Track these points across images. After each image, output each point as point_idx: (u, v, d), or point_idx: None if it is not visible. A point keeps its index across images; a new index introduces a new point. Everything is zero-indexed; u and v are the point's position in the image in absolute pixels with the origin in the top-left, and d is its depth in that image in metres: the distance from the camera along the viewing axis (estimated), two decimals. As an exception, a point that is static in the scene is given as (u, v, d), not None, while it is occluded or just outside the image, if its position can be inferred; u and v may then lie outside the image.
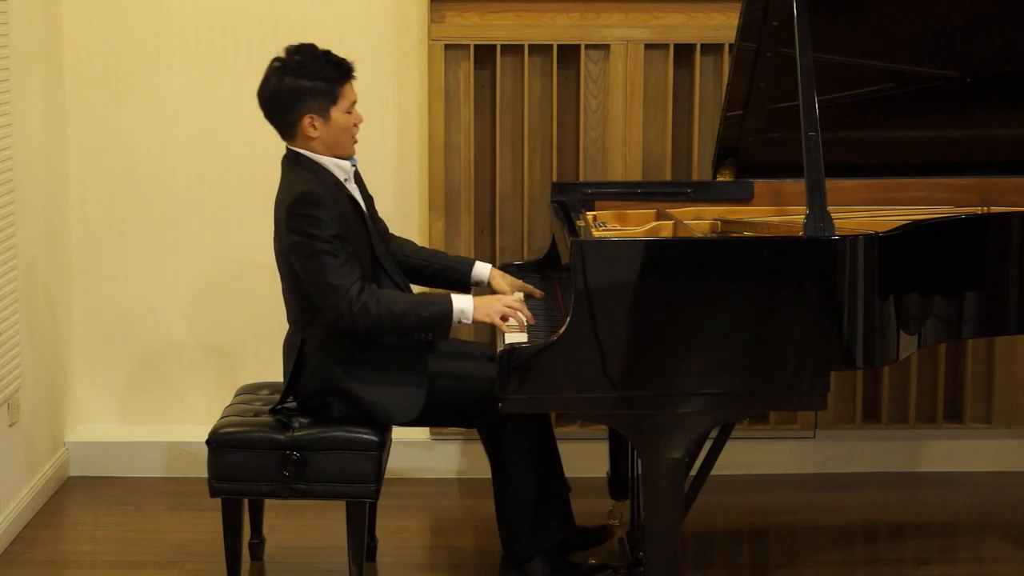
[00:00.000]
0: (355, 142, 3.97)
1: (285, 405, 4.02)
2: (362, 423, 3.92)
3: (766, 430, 5.06)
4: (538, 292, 4.14)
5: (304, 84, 3.85)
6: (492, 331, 4.94)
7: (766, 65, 4.14)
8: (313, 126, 3.88)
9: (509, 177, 4.94)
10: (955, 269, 3.84)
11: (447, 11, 4.81)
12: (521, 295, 4.09)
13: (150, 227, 5.00)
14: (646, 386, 3.56)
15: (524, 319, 3.83)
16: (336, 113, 3.89)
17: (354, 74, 3.93)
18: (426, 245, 4.88)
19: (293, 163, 3.94)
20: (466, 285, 4.18)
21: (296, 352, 3.96)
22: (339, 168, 3.94)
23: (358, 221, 3.94)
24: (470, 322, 3.84)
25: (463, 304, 3.84)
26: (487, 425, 3.99)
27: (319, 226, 3.78)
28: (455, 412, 4.02)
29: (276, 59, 3.91)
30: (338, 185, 3.92)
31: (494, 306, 3.85)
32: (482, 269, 4.19)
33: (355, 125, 3.94)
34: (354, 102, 3.93)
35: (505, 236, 4.95)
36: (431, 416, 4.04)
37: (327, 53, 3.90)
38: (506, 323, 3.82)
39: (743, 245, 3.73)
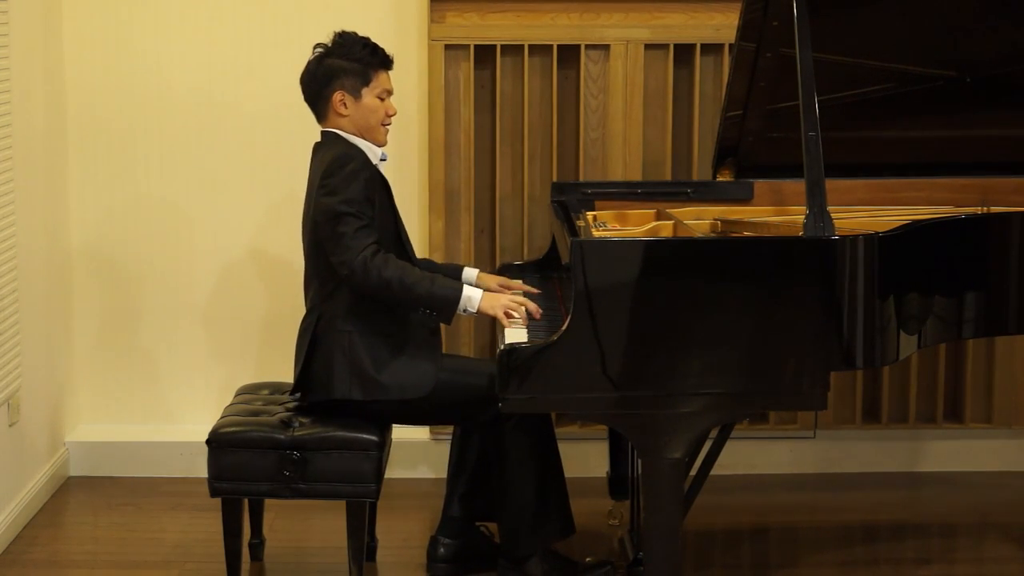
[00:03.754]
0: (386, 132, 4.07)
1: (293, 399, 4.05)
2: (365, 423, 3.93)
3: (766, 430, 5.06)
4: (530, 289, 4.14)
5: (340, 63, 4.01)
6: (493, 333, 4.94)
7: (766, 65, 4.14)
8: (344, 103, 4.00)
9: (509, 177, 4.94)
10: (955, 269, 3.84)
11: (447, 11, 4.81)
12: (521, 295, 4.10)
13: (150, 227, 5.00)
14: (646, 386, 3.56)
15: (527, 314, 3.88)
16: (367, 95, 4.01)
17: (391, 65, 4.06)
18: (426, 245, 4.89)
19: (328, 140, 4.04)
20: None
21: (311, 331, 3.97)
22: (371, 151, 4.04)
23: (386, 199, 4.02)
24: (474, 311, 3.90)
25: (471, 292, 3.91)
26: (488, 424, 3.99)
27: (348, 187, 3.88)
28: (456, 410, 4.02)
29: (319, 44, 4.06)
30: (369, 162, 3.99)
31: (500, 300, 3.92)
32: (469, 274, 4.24)
33: (388, 115, 4.05)
34: (388, 91, 4.05)
35: (505, 236, 4.95)
36: (432, 414, 4.05)
37: (366, 39, 4.05)
38: (509, 319, 3.86)
39: (743, 245, 3.73)
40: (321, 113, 4.06)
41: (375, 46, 4.04)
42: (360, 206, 3.88)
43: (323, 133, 4.07)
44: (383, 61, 4.04)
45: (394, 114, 4.07)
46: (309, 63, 4.05)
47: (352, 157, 3.94)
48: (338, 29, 4.08)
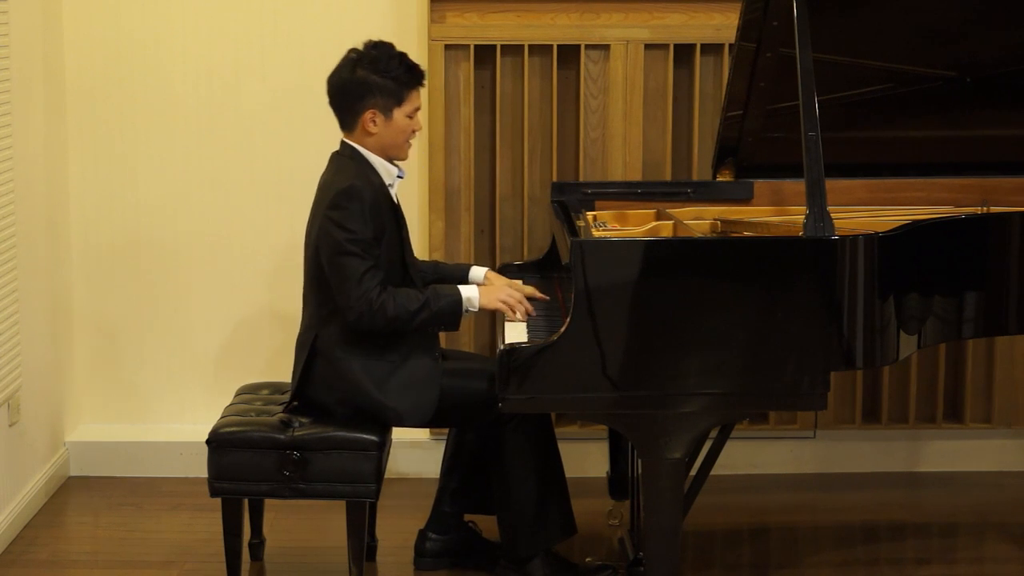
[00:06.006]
0: (409, 147, 4.03)
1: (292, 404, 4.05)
2: (365, 423, 3.93)
3: (766, 430, 5.06)
4: (539, 295, 4.14)
5: (375, 79, 3.91)
6: (493, 333, 4.94)
7: (766, 65, 4.14)
8: (374, 122, 3.94)
9: (509, 177, 4.94)
10: (955, 269, 3.84)
11: (447, 11, 4.81)
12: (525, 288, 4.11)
13: (149, 228, 5.00)
14: (646, 386, 3.56)
15: (525, 308, 3.92)
16: (399, 115, 3.95)
17: (424, 82, 3.99)
18: (426, 245, 4.89)
19: (345, 156, 3.99)
20: None
21: (308, 349, 3.97)
22: (387, 171, 3.99)
23: (394, 227, 3.99)
24: (476, 309, 3.94)
25: (470, 293, 3.94)
26: (488, 425, 3.99)
27: (356, 223, 3.84)
28: (456, 411, 4.02)
29: (353, 50, 3.97)
30: (382, 187, 3.96)
31: (498, 293, 3.96)
32: (477, 273, 4.24)
33: (413, 132, 4.00)
34: (417, 108, 3.99)
35: (505, 236, 4.95)
36: (433, 418, 4.05)
37: (403, 55, 3.96)
38: (509, 311, 3.92)
39: (743, 245, 3.73)
40: (347, 125, 3.98)
41: (411, 64, 3.95)
42: (366, 245, 3.84)
43: (343, 144, 4.01)
44: (418, 79, 3.96)
45: (420, 130, 4.02)
46: (341, 70, 3.95)
47: (361, 191, 3.86)
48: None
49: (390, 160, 4.00)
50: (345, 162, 3.97)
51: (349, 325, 3.88)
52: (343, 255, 3.84)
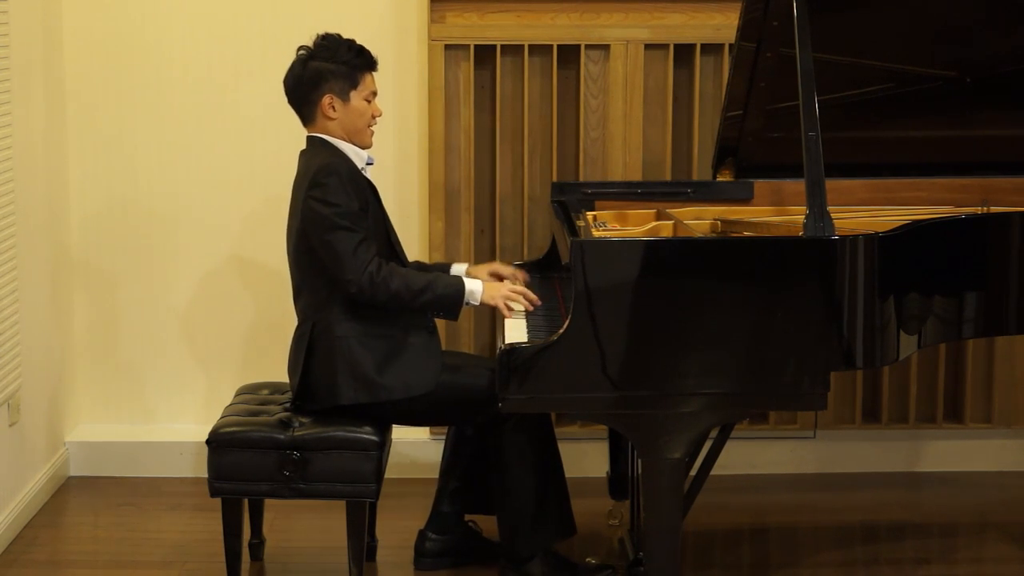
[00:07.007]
0: (372, 135, 4.07)
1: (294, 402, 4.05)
2: (365, 422, 3.93)
3: (766, 430, 5.06)
4: (520, 274, 4.15)
5: (328, 67, 3.99)
6: (493, 333, 4.94)
7: (766, 65, 4.14)
8: (332, 107, 3.99)
9: (509, 177, 4.94)
10: (955, 269, 3.84)
11: (447, 11, 4.81)
12: (522, 286, 4.12)
13: (149, 227, 5.00)
14: (646, 386, 3.56)
15: (529, 303, 3.93)
16: (356, 98, 4.01)
17: (377, 67, 4.06)
18: (426, 245, 4.89)
19: (313, 146, 4.04)
20: None
21: (307, 340, 3.97)
22: (356, 155, 4.03)
23: (376, 205, 4.02)
24: (478, 303, 3.95)
25: (473, 286, 3.96)
26: (487, 424, 3.99)
27: (339, 197, 3.89)
28: (456, 410, 4.03)
29: (303, 47, 4.05)
30: (356, 169, 3.99)
31: (500, 291, 3.96)
32: (458, 270, 4.26)
33: (374, 117, 4.05)
34: (374, 93, 4.05)
35: (505, 236, 4.96)
36: (433, 414, 4.06)
37: (351, 41, 4.04)
38: (509, 310, 3.92)
39: (743, 245, 3.73)
40: (308, 117, 4.05)
41: (361, 48, 4.03)
42: (354, 218, 3.88)
43: (309, 139, 4.06)
44: (369, 63, 4.04)
45: (380, 115, 4.07)
46: (293, 66, 4.04)
47: (337, 167, 3.93)
48: (322, 31, 4.07)
49: (356, 146, 4.04)
50: (316, 150, 4.02)
51: (350, 299, 3.90)
52: (333, 231, 3.87)
